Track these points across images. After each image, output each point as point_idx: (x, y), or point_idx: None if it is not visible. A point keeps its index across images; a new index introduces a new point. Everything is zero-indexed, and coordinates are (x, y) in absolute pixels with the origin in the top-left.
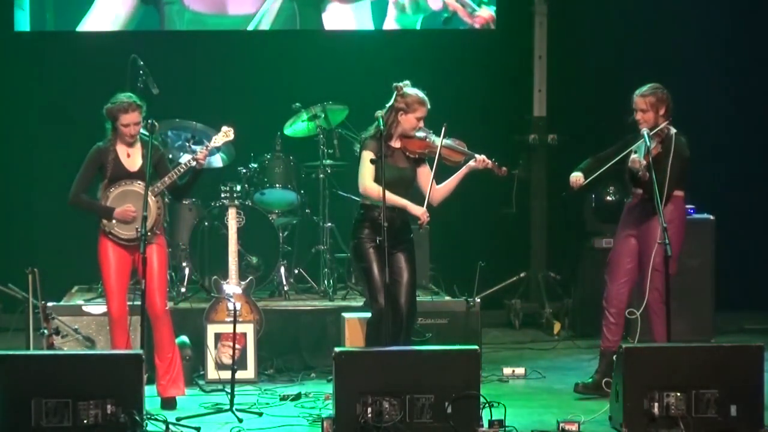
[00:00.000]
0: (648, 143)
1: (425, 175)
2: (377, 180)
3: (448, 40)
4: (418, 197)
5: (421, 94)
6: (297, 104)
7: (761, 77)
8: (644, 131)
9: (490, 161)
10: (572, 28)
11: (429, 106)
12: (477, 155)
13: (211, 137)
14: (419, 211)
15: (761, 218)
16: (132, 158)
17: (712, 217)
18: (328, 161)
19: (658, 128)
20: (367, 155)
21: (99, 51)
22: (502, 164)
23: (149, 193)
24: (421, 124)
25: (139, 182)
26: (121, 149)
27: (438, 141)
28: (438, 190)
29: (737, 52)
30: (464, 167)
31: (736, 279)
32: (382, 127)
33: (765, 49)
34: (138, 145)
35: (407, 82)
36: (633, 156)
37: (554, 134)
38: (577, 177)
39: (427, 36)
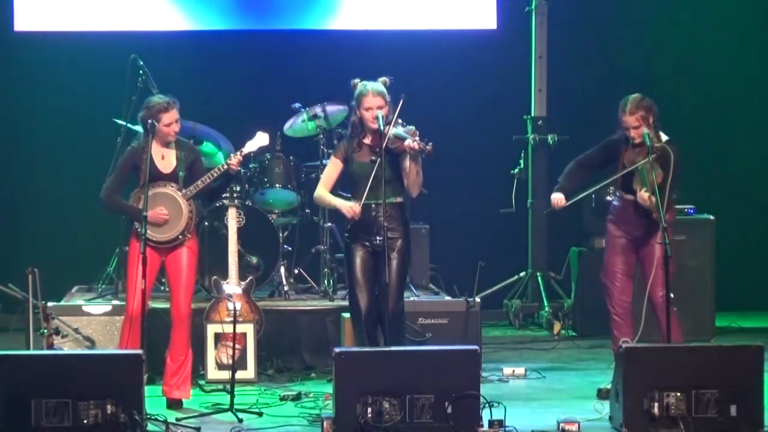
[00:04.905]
0: (650, 155)
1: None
2: (356, 182)
3: (448, 40)
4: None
5: (368, 86)
6: (297, 104)
7: (761, 76)
8: (649, 140)
9: (416, 144)
10: (572, 28)
11: (377, 96)
12: (406, 142)
13: (211, 137)
14: (345, 207)
15: (761, 218)
16: (166, 160)
17: (712, 217)
18: (328, 161)
19: (657, 151)
20: (331, 162)
21: (99, 51)
22: (428, 142)
23: (182, 197)
24: (373, 113)
25: (171, 185)
26: (156, 151)
27: (390, 132)
28: (407, 182)
29: (737, 51)
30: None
31: (736, 279)
32: (381, 126)
33: (765, 48)
34: (173, 147)
35: (387, 79)
36: (643, 194)
37: (554, 134)
38: (558, 198)
39: (427, 36)
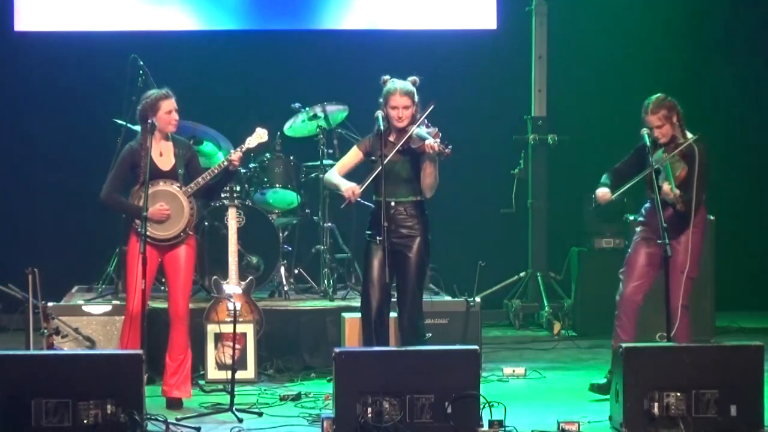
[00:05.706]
0: (662, 164)
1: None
2: (377, 178)
3: (448, 39)
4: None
5: (395, 84)
6: (297, 104)
7: (760, 76)
8: (647, 141)
9: (435, 145)
10: (572, 28)
11: (404, 95)
12: (426, 142)
13: (211, 137)
14: (344, 186)
15: (761, 218)
16: (164, 157)
17: (712, 217)
18: (328, 161)
19: (681, 146)
20: (352, 150)
21: (99, 51)
22: (447, 145)
23: (183, 194)
24: (400, 113)
25: (171, 182)
26: (154, 149)
27: (413, 131)
28: (422, 183)
29: (736, 50)
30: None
31: (736, 279)
32: (381, 127)
33: (765, 47)
34: (170, 144)
35: (416, 78)
36: (666, 187)
37: (554, 134)
38: (604, 192)
39: (428, 36)
